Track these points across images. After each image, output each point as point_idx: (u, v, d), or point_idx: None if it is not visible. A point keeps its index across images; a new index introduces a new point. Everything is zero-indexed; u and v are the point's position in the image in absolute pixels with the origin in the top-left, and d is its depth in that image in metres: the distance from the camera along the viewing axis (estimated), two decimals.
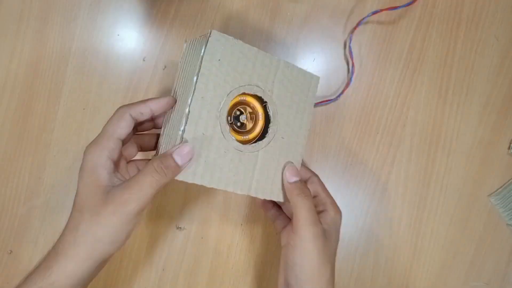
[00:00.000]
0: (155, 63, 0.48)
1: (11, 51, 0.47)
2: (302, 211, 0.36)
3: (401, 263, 0.49)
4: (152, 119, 0.39)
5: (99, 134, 0.34)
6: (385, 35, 0.50)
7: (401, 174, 0.49)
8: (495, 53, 0.50)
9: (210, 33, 0.34)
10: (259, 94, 0.38)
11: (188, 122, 0.33)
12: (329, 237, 0.37)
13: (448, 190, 0.49)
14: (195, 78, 0.34)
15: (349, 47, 0.48)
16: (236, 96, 0.37)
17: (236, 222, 0.49)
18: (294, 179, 0.38)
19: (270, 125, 0.39)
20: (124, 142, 0.35)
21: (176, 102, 0.37)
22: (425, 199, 0.49)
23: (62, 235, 0.33)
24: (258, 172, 0.38)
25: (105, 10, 0.48)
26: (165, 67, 0.48)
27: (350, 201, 0.49)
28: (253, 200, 0.49)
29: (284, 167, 0.39)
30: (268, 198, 0.38)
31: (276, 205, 0.44)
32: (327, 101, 0.48)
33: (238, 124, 0.39)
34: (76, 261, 0.31)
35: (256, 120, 0.39)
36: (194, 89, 0.34)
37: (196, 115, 0.34)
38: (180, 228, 0.48)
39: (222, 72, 0.35)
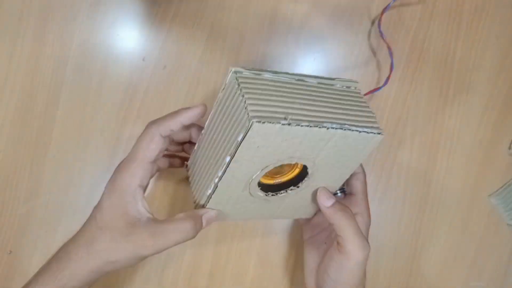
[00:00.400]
0: (155, 63, 0.48)
1: (11, 51, 0.47)
2: (349, 234, 0.36)
3: (401, 263, 0.49)
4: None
5: (129, 156, 0.35)
6: (385, 35, 0.50)
7: (401, 174, 0.49)
8: (495, 53, 0.50)
9: (250, 125, 0.28)
10: (299, 163, 0.35)
11: (215, 193, 0.34)
12: None
13: (448, 190, 0.49)
14: (228, 158, 0.31)
15: (380, 32, 0.47)
16: None
17: (236, 223, 0.49)
18: (330, 202, 0.37)
19: (305, 179, 0.36)
20: (156, 158, 0.36)
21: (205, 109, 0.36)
22: (425, 199, 0.49)
23: (76, 241, 0.34)
24: (284, 207, 0.39)
25: (105, 10, 0.48)
26: (165, 67, 0.48)
27: None
28: None
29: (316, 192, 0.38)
30: (295, 218, 0.39)
31: None
32: (375, 90, 0.45)
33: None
34: (87, 271, 0.33)
35: (294, 166, 0.36)
36: (226, 168, 0.32)
37: (223, 188, 0.34)
38: None
39: (259, 154, 0.31)
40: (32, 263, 0.47)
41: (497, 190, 0.50)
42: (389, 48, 0.46)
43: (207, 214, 0.36)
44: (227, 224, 0.48)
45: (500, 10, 0.50)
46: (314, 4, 0.49)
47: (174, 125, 0.35)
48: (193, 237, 0.34)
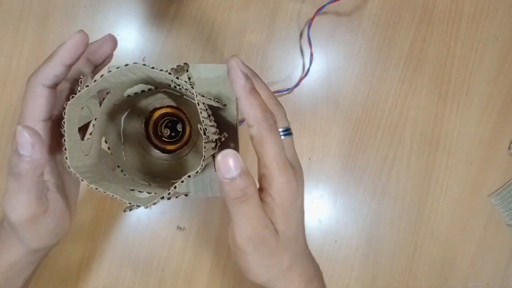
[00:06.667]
0: (155, 63, 0.48)
1: (11, 50, 0.47)
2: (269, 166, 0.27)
3: (401, 263, 0.49)
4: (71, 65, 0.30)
5: (18, 121, 0.28)
6: (385, 35, 0.50)
7: (401, 174, 0.49)
8: (495, 53, 0.50)
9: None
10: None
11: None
12: None
13: (448, 190, 0.49)
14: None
15: (308, 36, 0.47)
16: (157, 111, 0.35)
17: None
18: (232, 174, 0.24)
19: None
20: (49, 115, 0.29)
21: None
22: (425, 199, 0.49)
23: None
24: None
25: (105, 10, 0.48)
26: None
27: (350, 201, 0.49)
28: None
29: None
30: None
31: None
32: (280, 91, 0.48)
33: (173, 134, 0.36)
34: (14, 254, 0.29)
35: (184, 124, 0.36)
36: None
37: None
38: (180, 228, 0.48)
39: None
40: None
41: (497, 190, 0.50)
42: (311, 54, 0.48)
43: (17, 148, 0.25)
44: (227, 224, 0.48)
45: (499, 10, 0.50)
46: (314, 4, 0.49)
47: (54, 69, 0.28)
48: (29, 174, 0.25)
